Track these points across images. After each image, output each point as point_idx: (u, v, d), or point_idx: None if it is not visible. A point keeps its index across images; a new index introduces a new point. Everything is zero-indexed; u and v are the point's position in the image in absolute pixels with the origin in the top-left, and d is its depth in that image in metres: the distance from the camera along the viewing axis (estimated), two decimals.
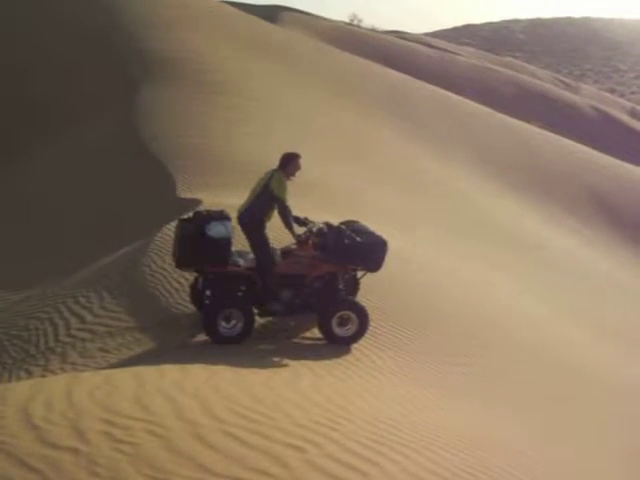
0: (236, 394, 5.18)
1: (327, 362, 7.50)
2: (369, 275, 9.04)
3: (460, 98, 37.21)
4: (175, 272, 9.66)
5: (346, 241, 8.67)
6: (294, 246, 8.91)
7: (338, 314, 8.53)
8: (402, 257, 12.27)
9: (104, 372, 6.44)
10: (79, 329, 8.93)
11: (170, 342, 8.05)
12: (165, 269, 9.84)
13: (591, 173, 31.73)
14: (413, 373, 8.29)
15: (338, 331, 8.54)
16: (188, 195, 14.50)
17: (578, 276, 19.31)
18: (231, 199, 13.68)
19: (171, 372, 5.87)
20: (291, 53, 32.70)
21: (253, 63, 27.50)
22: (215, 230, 8.27)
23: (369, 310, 8.62)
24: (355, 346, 8.40)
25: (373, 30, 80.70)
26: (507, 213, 22.80)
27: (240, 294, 8.49)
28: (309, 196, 15.58)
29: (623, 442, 9.07)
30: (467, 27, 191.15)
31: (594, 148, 37.13)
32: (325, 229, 8.95)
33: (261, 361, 6.98)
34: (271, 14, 56.49)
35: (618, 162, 35.96)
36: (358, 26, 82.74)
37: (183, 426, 4.37)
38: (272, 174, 8.69)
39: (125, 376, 5.55)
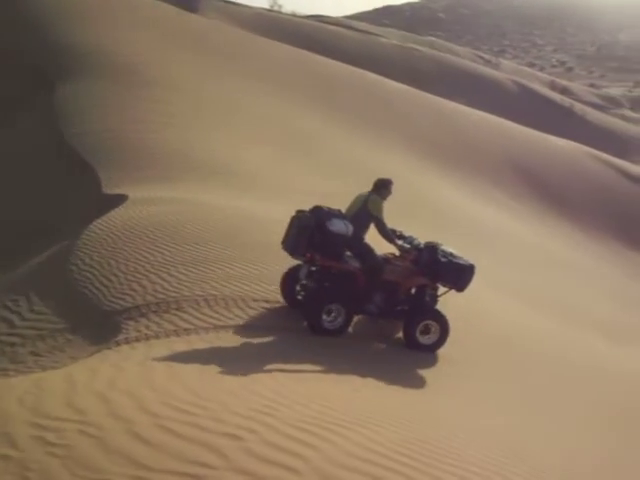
0: (171, 388, 5.12)
1: (262, 350, 7.49)
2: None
3: (384, 79, 37.40)
4: (104, 269, 9.53)
5: (442, 259, 9.39)
6: (391, 255, 9.61)
7: (423, 323, 9.32)
8: None
9: (34, 376, 6.30)
10: (8, 334, 8.71)
11: (102, 341, 7.92)
12: (94, 267, 9.67)
13: (515, 147, 32.35)
14: (352, 354, 8.35)
15: (420, 339, 9.33)
16: (115, 190, 14.26)
17: (507, 247, 19.72)
18: (157, 192, 13.55)
19: (104, 371, 5.77)
20: (213, 42, 32.37)
21: (174, 53, 27.14)
22: (337, 226, 8.81)
23: None
24: (291, 331, 8.45)
25: (294, 15, 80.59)
26: (437, 190, 23.09)
27: (346, 290, 9.00)
28: (236, 183, 15.52)
29: (565, 410, 9.33)
30: (387, 8, 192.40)
31: (516, 122, 37.84)
32: (422, 245, 9.64)
33: (196, 353, 6.92)
34: (190, 3, 55.74)
35: (541, 135, 36.73)
36: (279, 12, 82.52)
37: (117, 424, 4.30)
38: (368, 197, 9.34)
39: (56, 378, 5.43)
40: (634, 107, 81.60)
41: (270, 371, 6.43)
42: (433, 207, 20.99)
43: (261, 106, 24.57)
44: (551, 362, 11.47)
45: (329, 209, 9.05)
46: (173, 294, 8.92)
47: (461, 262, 9.57)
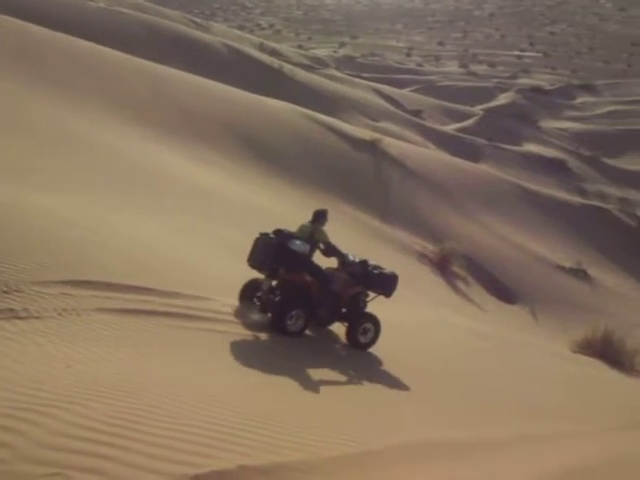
0: None
1: None
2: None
3: (93, 45, 35.91)
4: None
5: (375, 271, 11.84)
6: (331, 269, 11.81)
7: (362, 326, 11.57)
8: (56, 215, 12.01)
9: None
10: None
11: None
12: None
13: (231, 109, 32.78)
14: (65, 328, 8.06)
15: (361, 339, 11.58)
16: None
17: (226, 209, 20.05)
18: None
19: None
20: None
21: None
22: (297, 246, 10.97)
23: None
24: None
25: None
26: (153, 157, 22.79)
27: (303, 299, 11.03)
28: None
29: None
30: None
31: (230, 84, 38.34)
32: (356, 260, 11.91)
33: None
34: None
35: (255, 96, 37.55)
36: None
37: None
38: (312, 228, 11.54)
39: None
40: (339, 67, 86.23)
41: None
42: (152, 175, 20.71)
43: None
44: None
45: (289, 232, 11.21)
46: None
47: (388, 272, 12.02)
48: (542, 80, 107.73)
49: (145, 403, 5.65)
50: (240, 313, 10.85)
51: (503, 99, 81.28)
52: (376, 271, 11.86)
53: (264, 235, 11.23)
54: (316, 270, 11.30)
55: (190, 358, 8.38)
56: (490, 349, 16.02)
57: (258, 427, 5.96)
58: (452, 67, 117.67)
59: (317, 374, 9.66)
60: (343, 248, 12.09)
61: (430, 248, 27.62)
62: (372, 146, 35.91)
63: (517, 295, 28.03)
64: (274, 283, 11.28)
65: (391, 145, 37.23)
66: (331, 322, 11.82)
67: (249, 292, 11.29)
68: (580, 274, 31.78)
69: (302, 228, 11.62)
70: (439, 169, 37.32)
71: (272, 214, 22.31)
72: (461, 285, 26.57)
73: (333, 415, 7.81)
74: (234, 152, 28.10)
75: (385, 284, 12.00)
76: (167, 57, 44.56)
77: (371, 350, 11.79)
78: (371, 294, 12.21)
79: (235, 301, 11.28)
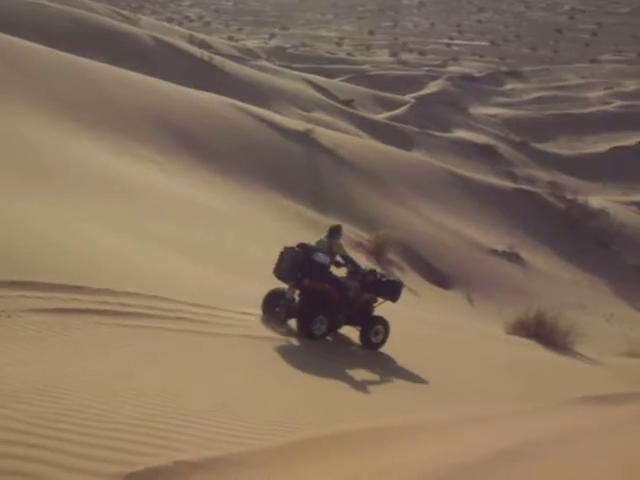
0: None
1: None
2: None
3: (13, 38, 34.92)
4: None
5: (383, 279, 13.00)
6: (344, 279, 12.82)
7: (374, 328, 12.65)
8: None
9: None
10: None
11: None
12: None
13: (159, 103, 32.33)
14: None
15: (373, 340, 12.68)
16: None
17: (157, 202, 19.80)
18: None
19: None
20: None
21: None
22: (320, 258, 12.18)
23: None
24: None
25: None
26: (81, 152, 22.33)
27: (325, 305, 12.15)
28: None
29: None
30: None
31: (158, 77, 37.79)
32: (366, 270, 13.00)
33: None
34: None
35: (184, 89, 37.10)
36: None
37: None
38: (330, 243, 12.79)
39: None
40: (270, 58, 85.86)
41: None
42: (80, 170, 20.30)
43: None
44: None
45: (312, 245, 12.44)
46: None
47: (394, 280, 13.56)
48: (471, 67, 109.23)
49: (77, 403, 5.54)
50: (265, 322, 11.77)
51: (433, 87, 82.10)
52: (384, 279, 13.02)
53: (289, 249, 12.24)
54: (335, 279, 12.51)
55: (123, 356, 8.25)
56: (432, 335, 16.20)
57: (193, 423, 5.91)
58: (383, 56, 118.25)
59: (254, 368, 9.63)
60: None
61: (365, 236, 27.77)
62: (305, 136, 35.87)
63: (452, 280, 28.45)
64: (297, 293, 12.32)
65: (324, 135, 37.26)
66: (341, 326, 12.80)
67: (271, 302, 12.14)
68: (513, 257, 32.42)
69: (320, 242, 12.78)
70: (372, 158, 37.53)
71: (203, 206, 22.17)
72: (397, 272, 26.81)
73: (267, 407, 7.79)
74: (163, 145, 27.72)
75: (392, 291, 13.08)
76: (94, 50, 43.55)
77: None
78: (379, 300, 13.25)
79: (167, 295, 11.19)
